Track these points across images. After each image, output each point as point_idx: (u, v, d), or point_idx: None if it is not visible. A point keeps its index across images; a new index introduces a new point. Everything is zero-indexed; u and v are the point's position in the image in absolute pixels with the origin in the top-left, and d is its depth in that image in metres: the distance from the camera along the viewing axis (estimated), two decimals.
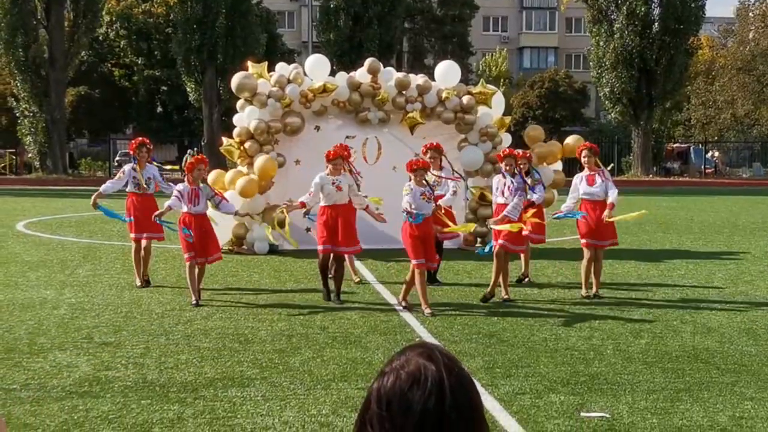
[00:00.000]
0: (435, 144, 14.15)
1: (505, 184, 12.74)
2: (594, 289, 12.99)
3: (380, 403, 2.04)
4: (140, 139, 14.19)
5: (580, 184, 12.99)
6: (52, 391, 7.92)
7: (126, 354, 9.33)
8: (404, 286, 12.12)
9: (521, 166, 13.28)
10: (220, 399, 7.68)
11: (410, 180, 11.81)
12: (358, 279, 14.40)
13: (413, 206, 11.58)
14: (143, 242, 13.71)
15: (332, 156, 12.62)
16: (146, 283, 13.74)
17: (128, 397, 7.71)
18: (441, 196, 14.08)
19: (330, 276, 13.31)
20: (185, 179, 12.60)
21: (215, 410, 7.35)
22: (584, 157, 13.06)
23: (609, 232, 13.01)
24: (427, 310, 11.57)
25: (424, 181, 11.75)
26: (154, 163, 14.23)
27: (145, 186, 13.76)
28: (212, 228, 12.75)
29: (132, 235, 13.87)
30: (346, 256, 13.12)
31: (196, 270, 12.38)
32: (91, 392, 7.88)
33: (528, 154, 14.36)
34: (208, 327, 10.74)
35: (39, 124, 52.73)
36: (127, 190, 13.84)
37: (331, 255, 12.67)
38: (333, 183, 12.54)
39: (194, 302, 12.15)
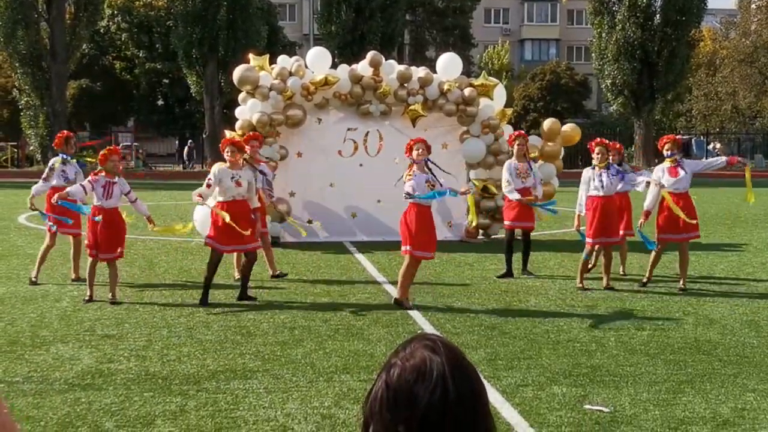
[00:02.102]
0: (522, 133, 14.82)
1: (600, 176, 12.93)
2: (682, 282, 13.10)
3: (386, 396, 2.04)
4: (66, 133, 13.76)
5: (663, 177, 12.90)
6: (54, 383, 7.93)
7: (128, 346, 9.35)
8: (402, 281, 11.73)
9: (613, 157, 13.42)
10: (223, 391, 7.69)
11: (413, 166, 11.48)
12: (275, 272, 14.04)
13: (417, 191, 11.38)
14: (60, 238, 13.54)
15: (224, 144, 12.07)
16: (78, 279, 13.43)
17: (131, 390, 7.72)
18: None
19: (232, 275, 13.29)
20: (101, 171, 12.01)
21: (218, 402, 7.36)
22: (667, 150, 13.03)
23: (692, 224, 13.01)
24: (396, 295, 11.53)
25: (426, 169, 11.44)
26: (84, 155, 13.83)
27: (72, 180, 13.29)
28: (124, 225, 12.21)
29: (50, 225, 13.35)
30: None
31: (108, 267, 12.05)
32: (93, 385, 7.89)
33: (619, 146, 14.43)
34: (210, 319, 10.75)
35: (40, 117, 52.68)
36: (53, 184, 13.33)
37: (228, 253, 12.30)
38: (232, 177, 11.76)
39: (87, 298, 11.88)
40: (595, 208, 12.96)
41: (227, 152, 11.96)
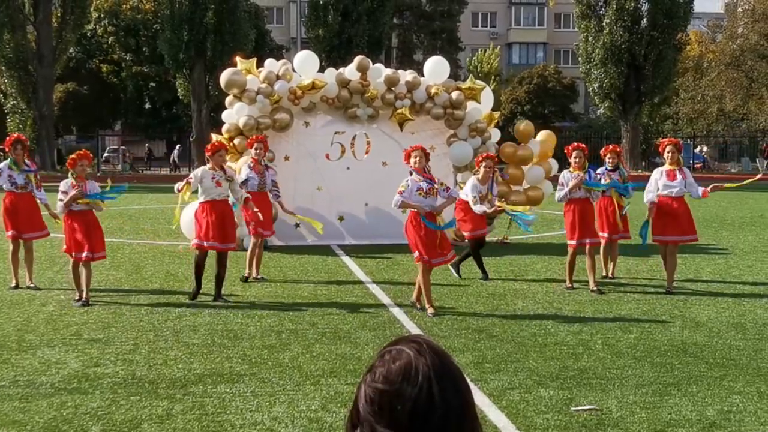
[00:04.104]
0: (491, 155, 14.81)
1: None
2: (668, 284, 13.23)
3: (372, 398, 2.03)
4: (15, 136, 13.51)
5: (660, 179, 13.11)
6: (40, 387, 7.90)
7: (115, 350, 9.32)
8: (415, 285, 11.79)
9: (612, 160, 13.96)
10: (210, 395, 7.67)
11: (410, 174, 11.39)
12: (249, 275, 14.06)
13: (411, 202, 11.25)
14: (21, 242, 13.37)
15: (212, 149, 12.39)
16: (34, 287, 13.18)
17: (117, 394, 7.70)
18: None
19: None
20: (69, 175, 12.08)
21: (204, 406, 7.35)
22: (668, 152, 13.15)
23: (688, 227, 13.23)
24: (430, 310, 11.31)
25: (422, 172, 11.23)
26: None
27: (22, 184, 13.17)
28: (99, 224, 12.25)
29: (9, 233, 13.28)
30: (229, 253, 12.71)
31: (81, 268, 11.98)
32: (79, 389, 7.86)
33: (619, 149, 14.55)
34: (197, 323, 10.72)
35: (27, 121, 52.52)
36: (5, 188, 13.27)
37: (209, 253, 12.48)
38: (213, 178, 12.12)
39: (77, 300, 11.95)
40: (573, 210, 13.18)
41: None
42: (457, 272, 14.39)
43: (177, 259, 16.33)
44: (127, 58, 67.01)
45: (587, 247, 13.20)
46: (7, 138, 13.46)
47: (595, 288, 13.06)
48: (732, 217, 26.11)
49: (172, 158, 60.91)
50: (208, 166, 12.28)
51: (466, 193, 14.02)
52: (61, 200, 11.85)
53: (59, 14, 53.29)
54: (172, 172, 57.80)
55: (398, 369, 2.03)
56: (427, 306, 11.42)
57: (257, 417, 7.06)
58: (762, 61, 63.87)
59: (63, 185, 11.93)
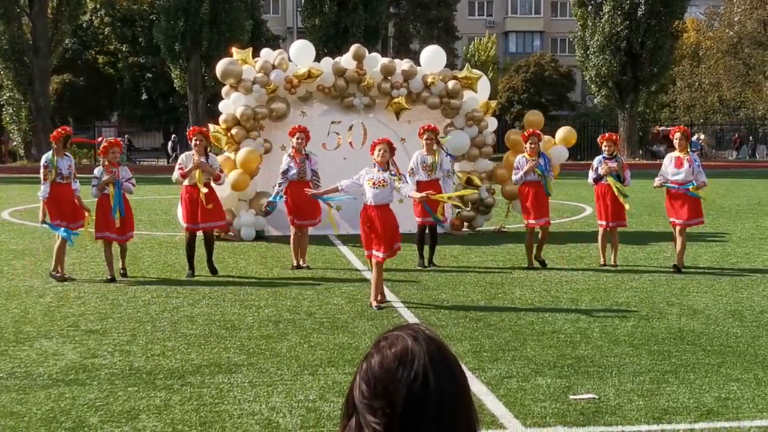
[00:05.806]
0: (431, 126, 14.84)
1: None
2: (677, 261, 13.82)
3: (367, 384, 2.03)
4: (65, 128, 13.46)
5: (669, 165, 13.78)
6: (38, 379, 7.91)
7: (112, 341, 9.32)
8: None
9: (609, 149, 14.28)
10: (207, 385, 7.68)
11: (374, 165, 11.35)
12: (296, 264, 14.35)
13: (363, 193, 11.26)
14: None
15: (190, 134, 13.68)
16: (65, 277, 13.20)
17: (115, 385, 7.70)
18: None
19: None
20: (101, 163, 13.11)
21: (202, 397, 7.35)
22: (676, 140, 13.79)
23: (694, 211, 13.67)
24: (374, 303, 11.13)
25: (384, 167, 11.19)
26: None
27: (67, 175, 13.07)
28: (130, 209, 13.32)
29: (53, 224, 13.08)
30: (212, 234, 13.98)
31: (112, 248, 13.21)
32: (77, 380, 7.86)
33: (616, 137, 15.00)
34: (195, 314, 10.72)
35: (23, 112, 52.44)
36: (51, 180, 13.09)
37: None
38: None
39: (109, 278, 12.96)
40: (527, 193, 13.98)
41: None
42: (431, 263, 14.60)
43: (174, 250, 16.32)
44: (124, 48, 66.84)
45: (540, 226, 14.13)
46: (57, 131, 13.31)
47: (541, 260, 14.18)
48: (729, 204, 26.10)
49: (169, 149, 60.79)
50: (192, 151, 13.39)
51: (408, 167, 14.36)
52: (94, 185, 12.86)
53: (55, 5, 53.12)
54: (168, 162, 57.73)
55: (394, 355, 2.02)
56: (371, 299, 11.25)
57: (255, 407, 7.07)
58: (759, 48, 63.87)
59: (97, 171, 12.92)
